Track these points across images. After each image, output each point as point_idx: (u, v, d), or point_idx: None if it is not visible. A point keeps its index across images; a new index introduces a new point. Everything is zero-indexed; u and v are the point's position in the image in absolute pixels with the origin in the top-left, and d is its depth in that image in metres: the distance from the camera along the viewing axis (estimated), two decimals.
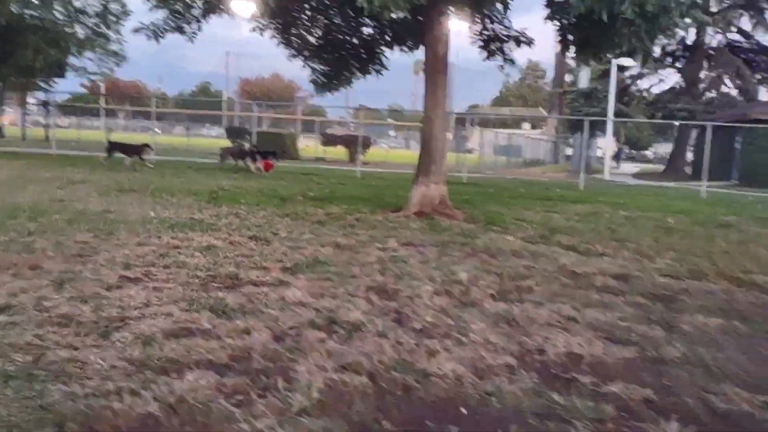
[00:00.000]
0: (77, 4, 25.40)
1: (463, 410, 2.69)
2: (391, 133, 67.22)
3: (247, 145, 17.15)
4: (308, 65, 11.58)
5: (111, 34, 26.33)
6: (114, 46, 26.94)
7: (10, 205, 8.00)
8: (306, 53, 11.50)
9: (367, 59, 11.43)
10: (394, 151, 42.18)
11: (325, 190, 12.99)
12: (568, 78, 49.31)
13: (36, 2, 23.88)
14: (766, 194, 19.20)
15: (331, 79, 11.67)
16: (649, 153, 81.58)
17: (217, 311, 3.90)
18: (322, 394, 2.73)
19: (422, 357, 3.26)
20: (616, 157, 45.52)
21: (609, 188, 19.24)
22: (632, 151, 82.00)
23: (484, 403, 2.77)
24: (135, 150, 17.02)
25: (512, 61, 10.70)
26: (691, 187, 20.45)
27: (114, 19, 25.89)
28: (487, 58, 10.63)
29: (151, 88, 78.65)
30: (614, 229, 9.04)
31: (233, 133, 26.90)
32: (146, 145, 17.35)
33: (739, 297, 5.22)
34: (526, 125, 66.43)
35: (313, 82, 11.67)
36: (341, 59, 11.35)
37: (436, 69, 9.61)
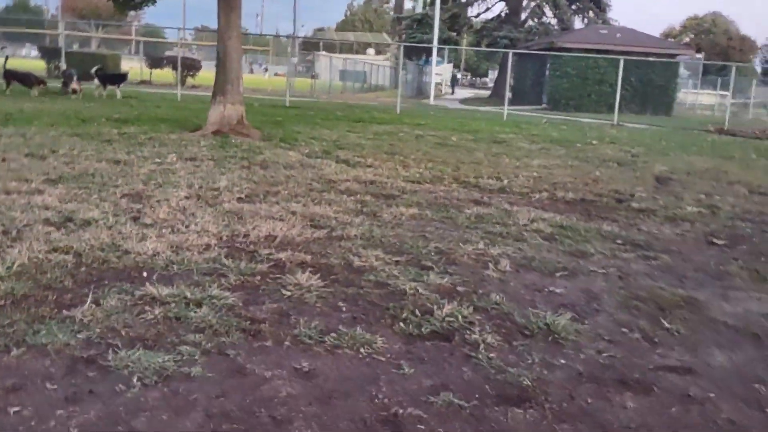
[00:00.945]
0: None
1: (144, 274, 3.39)
2: None
3: (95, 68, 16.64)
4: None
5: None
6: None
7: None
8: None
9: None
10: None
11: (134, 113, 12.91)
12: (410, 4, 50.27)
13: None
14: (560, 117, 21.57)
15: None
16: (488, 80, 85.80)
17: None
18: (22, 268, 3.30)
19: (132, 241, 3.90)
20: (452, 83, 47.77)
21: (425, 112, 20.56)
22: (473, 78, 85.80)
23: (166, 269, 3.49)
24: (34, 81, 16.15)
25: None
26: (500, 111, 22.34)
27: None
28: None
29: None
30: (394, 145, 10.09)
31: (48, 53, 25.08)
32: (43, 82, 16.50)
33: (453, 195, 6.34)
34: (371, 51, 67.09)
35: None
36: None
37: None
